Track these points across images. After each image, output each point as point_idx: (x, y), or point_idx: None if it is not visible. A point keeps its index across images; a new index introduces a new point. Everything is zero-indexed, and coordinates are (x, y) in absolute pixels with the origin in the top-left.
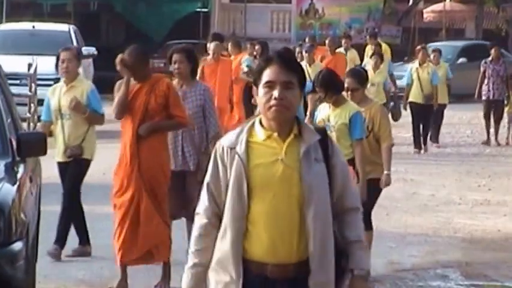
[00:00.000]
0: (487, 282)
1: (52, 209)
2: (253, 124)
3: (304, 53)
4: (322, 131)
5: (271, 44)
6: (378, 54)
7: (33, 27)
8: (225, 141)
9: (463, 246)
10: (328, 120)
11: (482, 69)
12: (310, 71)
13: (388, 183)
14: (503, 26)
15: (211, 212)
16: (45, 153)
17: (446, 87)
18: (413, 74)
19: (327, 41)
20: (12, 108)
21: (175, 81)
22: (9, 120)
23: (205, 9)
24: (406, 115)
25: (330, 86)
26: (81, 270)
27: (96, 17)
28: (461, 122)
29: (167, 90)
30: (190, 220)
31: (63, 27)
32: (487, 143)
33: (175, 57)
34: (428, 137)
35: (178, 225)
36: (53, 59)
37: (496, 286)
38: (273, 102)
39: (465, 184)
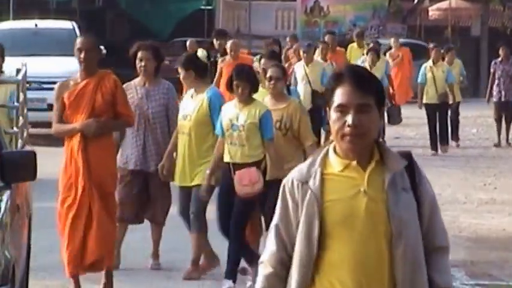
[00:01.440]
0: (492, 281)
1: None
2: (326, 153)
3: (302, 53)
4: (408, 155)
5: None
6: (374, 51)
7: (36, 25)
8: (295, 174)
9: (468, 246)
10: (237, 120)
11: (492, 70)
12: (308, 71)
13: None
14: (508, 24)
15: (278, 260)
16: (34, 177)
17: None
18: (427, 73)
19: (326, 38)
20: None
21: (138, 79)
22: None
23: (210, 7)
24: (410, 115)
25: (252, 82)
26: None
27: (101, 14)
28: (467, 120)
29: (114, 88)
30: (155, 223)
31: (66, 24)
32: (498, 145)
33: (141, 54)
34: (450, 136)
35: (180, 227)
36: (59, 59)
37: (501, 285)
38: (346, 130)
39: (470, 183)
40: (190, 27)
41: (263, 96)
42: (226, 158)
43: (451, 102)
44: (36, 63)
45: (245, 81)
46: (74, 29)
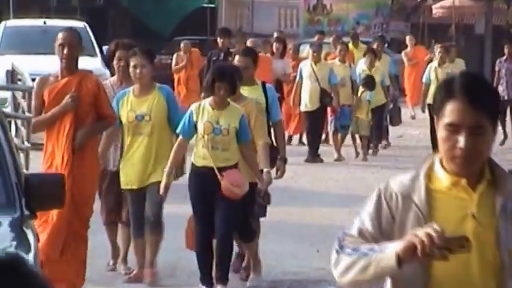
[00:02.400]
0: None
1: None
2: (431, 166)
3: (311, 52)
4: None
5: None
6: (372, 51)
7: (45, 23)
8: (394, 186)
9: None
10: (217, 123)
11: (496, 68)
12: (317, 70)
13: (270, 182)
14: None
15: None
16: (63, 204)
17: None
18: (431, 74)
19: (331, 39)
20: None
21: (114, 78)
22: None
23: (212, 5)
24: (416, 114)
25: (234, 84)
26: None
27: (102, 12)
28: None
29: (97, 89)
30: (125, 225)
31: (77, 23)
32: (503, 143)
33: (120, 53)
34: None
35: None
36: None
37: None
38: (457, 152)
39: None
40: (192, 25)
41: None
42: (203, 162)
43: None
44: (46, 62)
45: (227, 83)
46: (85, 28)
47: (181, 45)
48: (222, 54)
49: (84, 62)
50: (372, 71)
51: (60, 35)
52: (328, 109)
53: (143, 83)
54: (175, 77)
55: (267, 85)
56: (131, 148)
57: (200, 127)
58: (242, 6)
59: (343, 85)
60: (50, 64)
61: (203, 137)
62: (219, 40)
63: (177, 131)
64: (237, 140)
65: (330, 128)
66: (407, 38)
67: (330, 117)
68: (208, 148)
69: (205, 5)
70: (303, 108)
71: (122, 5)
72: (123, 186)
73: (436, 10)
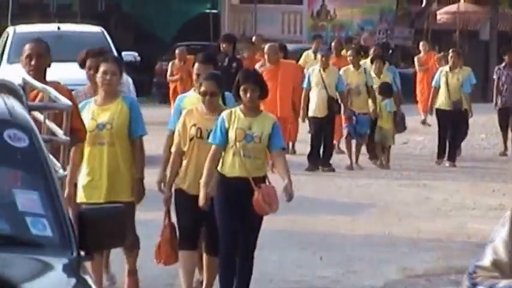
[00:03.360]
0: None
1: None
2: None
3: (320, 57)
4: None
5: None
6: (379, 58)
7: (59, 28)
8: None
9: (476, 252)
10: (250, 129)
11: (495, 76)
12: (325, 76)
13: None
14: None
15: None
16: (123, 241)
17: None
18: (441, 78)
19: (333, 43)
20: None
21: (87, 87)
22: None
23: (215, 10)
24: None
25: (262, 87)
26: None
27: (103, 17)
28: (475, 125)
29: (69, 100)
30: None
31: (94, 28)
32: (504, 153)
33: (91, 62)
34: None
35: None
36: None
37: None
38: None
39: (479, 189)
40: (195, 31)
41: (195, 101)
42: (234, 172)
43: (470, 116)
44: (62, 71)
45: (253, 84)
46: (102, 33)
47: (176, 51)
48: (226, 60)
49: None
50: (381, 78)
51: (27, 46)
52: (342, 118)
53: (109, 91)
54: (171, 85)
55: (226, 94)
56: (91, 160)
57: (231, 134)
58: (245, 11)
59: (359, 92)
60: (67, 72)
61: (234, 144)
62: (222, 46)
63: (210, 139)
64: (270, 147)
65: (344, 133)
66: (421, 43)
67: (343, 124)
68: (241, 156)
69: (207, 10)
70: (310, 114)
71: (123, 10)
72: (83, 200)
73: (441, 16)
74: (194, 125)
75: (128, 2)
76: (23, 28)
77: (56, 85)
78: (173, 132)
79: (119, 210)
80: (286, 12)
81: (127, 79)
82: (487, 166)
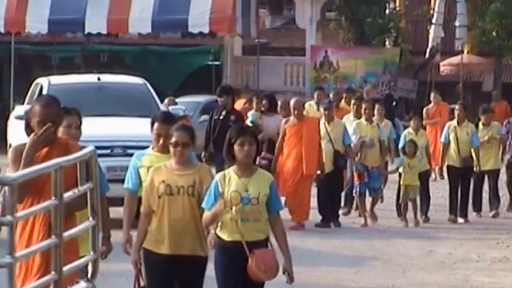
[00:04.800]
0: None
1: None
2: None
3: (323, 110)
4: None
5: (285, 97)
6: (418, 115)
7: (99, 79)
8: None
9: None
10: (246, 191)
11: (505, 129)
12: (330, 129)
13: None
14: None
15: None
16: None
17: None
18: (450, 134)
19: (331, 95)
20: None
21: None
22: None
23: (217, 62)
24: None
25: (257, 141)
26: None
27: (106, 69)
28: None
29: None
30: None
31: (136, 79)
32: (510, 209)
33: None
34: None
35: None
36: (136, 120)
37: None
38: None
39: (483, 241)
40: (198, 83)
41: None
42: (231, 236)
43: (474, 169)
44: (104, 126)
45: (250, 136)
46: (145, 85)
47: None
48: (224, 113)
49: (147, 125)
50: (418, 135)
51: (38, 110)
52: (354, 174)
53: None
54: None
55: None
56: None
57: (231, 197)
58: (248, 63)
59: (372, 146)
60: (109, 128)
61: (231, 209)
62: (219, 99)
63: (203, 205)
64: (267, 209)
65: (355, 192)
66: (432, 94)
67: (356, 182)
68: (238, 221)
69: (210, 63)
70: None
71: (125, 63)
72: None
73: (444, 67)
74: (163, 181)
75: (130, 55)
76: (59, 79)
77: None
78: (134, 192)
79: None
80: (289, 63)
81: None
82: (491, 218)
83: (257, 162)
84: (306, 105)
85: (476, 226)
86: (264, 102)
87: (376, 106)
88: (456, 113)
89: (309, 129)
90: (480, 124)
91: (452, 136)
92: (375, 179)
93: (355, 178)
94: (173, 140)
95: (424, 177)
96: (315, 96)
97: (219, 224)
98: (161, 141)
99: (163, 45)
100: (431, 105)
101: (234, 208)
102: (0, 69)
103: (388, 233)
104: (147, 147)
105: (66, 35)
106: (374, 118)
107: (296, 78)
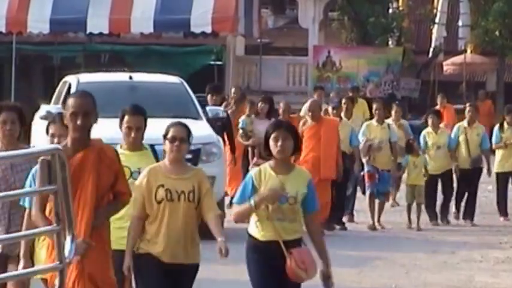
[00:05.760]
0: None
1: None
2: None
3: (331, 110)
4: None
5: (287, 97)
6: (436, 113)
7: (131, 78)
8: None
9: None
10: (283, 190)
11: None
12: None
13: (226, 253)
14: None
15: None
16: None
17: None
18: (460, 135)
19: (331, 94)
20: None
21: None
22: None
23: (220, 62)
24: None
25: (296, 139)
26: None
27: (107, 69)
28: (483, 176)
29: (117, 161)
30: None
31: (172, 78)
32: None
33: (4, 115)
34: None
35: None
36: (166, 122)
37: None
38: None
39: (486, 241)
40: (200, 83)
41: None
42: (266, 236)
43: (485, 172)
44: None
45: (285, 131)
46: (182, 84)
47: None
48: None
49: (193, 126)
50: (439, 133)
51: (71, 101)
52: (365, 174)
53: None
54: None
55: (157, 147)
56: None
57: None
58: (250, 63)
59: (380, 149)
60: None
61: (267, 207)
62: (211, 97)
63: (234, 200)
64: (303, 209)
65: (366, 193)
66: (439, 96)
67: (366, 183)
68: (273, 220)
69: (212, 63)
70: None
71: (126, 62)
72: None
73: (447, 67)
74: (162, 185)
75: (131, 55)
76: (88, 77)
77: (100, 143)
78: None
79: None
80: (292, 63)
81: None
82: (494, 218)
83: (250, 168)
84: (304, 106)
85: (479, 227)
86: (261, 105)
87: (375, 106)
88: (467, 114)
89: (327, 131)
90: (505, 124)
91: (462, 137)
92: (383, 182)
93: (366, 179)
94: (170, 135)
95: (448, 176)
96: (315, 96)
97: (253, 222)
98: (133, 135)
99: (166, 45)
100: (437, 107)
101: (270, 207)
102: (1, 69)
103: (391, 233)
104: None
105: (68, 35)
106: (391, 118)
107: (299, 78)
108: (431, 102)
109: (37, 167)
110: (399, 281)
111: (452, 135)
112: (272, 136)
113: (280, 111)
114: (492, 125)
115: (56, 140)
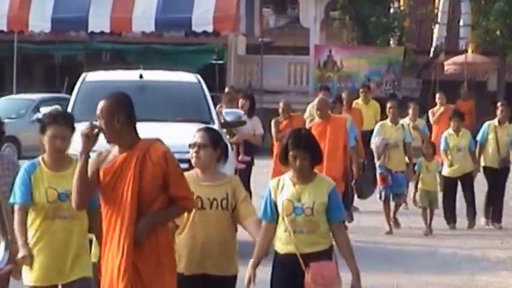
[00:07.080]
0: None
1: None
2: None
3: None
4: None
5: (288, 96)
6: (458, 115)
7: (141, 76)
8: None
9: None
10: (299, 201)
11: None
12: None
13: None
14: None
15: None
16: None
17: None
18: (490, 133)
19: (343, 94)
20: None
21: None
22: None
23: (221, 61)
24: None
25: (315, 151)
26: None
27: (109, 67)
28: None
29: (164, 162)
30: None
31: (188, 77)
32: None
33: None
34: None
35: None
36: (181, 126)
37: None
38: None
39: (488, 241)
40: None
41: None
42: (286, 248)
43: None
44: (145, 132)
45: (304, 151)
46: (199, 83)
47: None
48: None
49: (191, 132)
50: (459, 135)
51: (101, 102)
52: (378, 177)
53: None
54: None
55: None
56: (45, 235)
57: (280, 207)
58: (251, 62)
59: (396, 148)
60: (153, 133)
61: (283, 219)
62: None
63: (260, 216)
64: (327, 219)
65: (380, 197)
66: (437, 95)
67: (379, 185)
68: (290, 233)
69: (213, 62)
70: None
71: (128, 61)
72: (32, 283)
73: (448, 66)
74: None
75: (133, 53)
76: (95, 76)
77: (147, 141)
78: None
79: None
80: (293, 63)
81: None
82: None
83: (235, 166)
84: (310, 105)
85: (480, 225)
86: (242, 102)
87: (389, 104)
88: (499, 113)
89: (333, 130)
90: None
91: (491, 136)
92: (398, 183)
93: (379, 182)
94: (191, 141)
95: (468, 179)
96: (320, 95)
97: (277, 234)
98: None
99: (167, 44)
100: (437, 107)
101: (286, 219)
102: (3, 68)
103: (396, 237)
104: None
105: (69, 34)
106: (408, 117)
107: (300, 78)
108: (433, 102)
109: None
110: (401, 280)
111: (481, 133)
112: (291, 153)
113: (280, 110)
114: (472, 125)
115: (58, 142)
